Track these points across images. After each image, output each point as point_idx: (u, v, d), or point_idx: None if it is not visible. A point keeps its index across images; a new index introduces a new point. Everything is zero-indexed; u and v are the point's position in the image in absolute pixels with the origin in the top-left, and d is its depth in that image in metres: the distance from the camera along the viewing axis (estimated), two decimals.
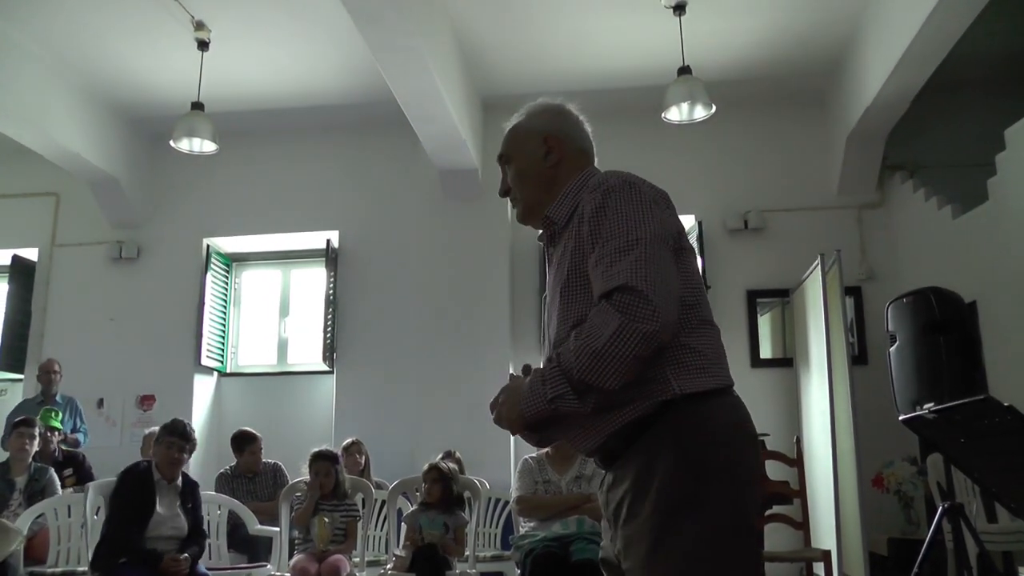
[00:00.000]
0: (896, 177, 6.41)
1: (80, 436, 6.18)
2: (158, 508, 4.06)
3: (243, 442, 5.54)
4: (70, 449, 5.90)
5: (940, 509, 3.22)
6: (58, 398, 6.15)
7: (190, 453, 4.28)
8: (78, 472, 5.64)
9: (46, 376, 6.17)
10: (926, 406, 3.02)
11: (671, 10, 5.28)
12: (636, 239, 1.51)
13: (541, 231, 1.82)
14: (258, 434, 5.60)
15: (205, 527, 4.49)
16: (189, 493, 4.23)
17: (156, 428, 5.33)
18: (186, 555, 4.00)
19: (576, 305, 1.58)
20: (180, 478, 4.23)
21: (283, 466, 5.59)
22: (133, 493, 4.05)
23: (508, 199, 1.87)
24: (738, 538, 1.49)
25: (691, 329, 1.55)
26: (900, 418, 3.23)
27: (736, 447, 1.54)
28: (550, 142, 1.78)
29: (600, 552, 1.73)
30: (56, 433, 5.70)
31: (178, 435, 4.18)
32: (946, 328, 3.07)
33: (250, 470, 5.53)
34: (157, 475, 4.14)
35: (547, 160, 1.77)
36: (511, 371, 6.40)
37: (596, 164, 1.85)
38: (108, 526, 4.05)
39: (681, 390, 1.51)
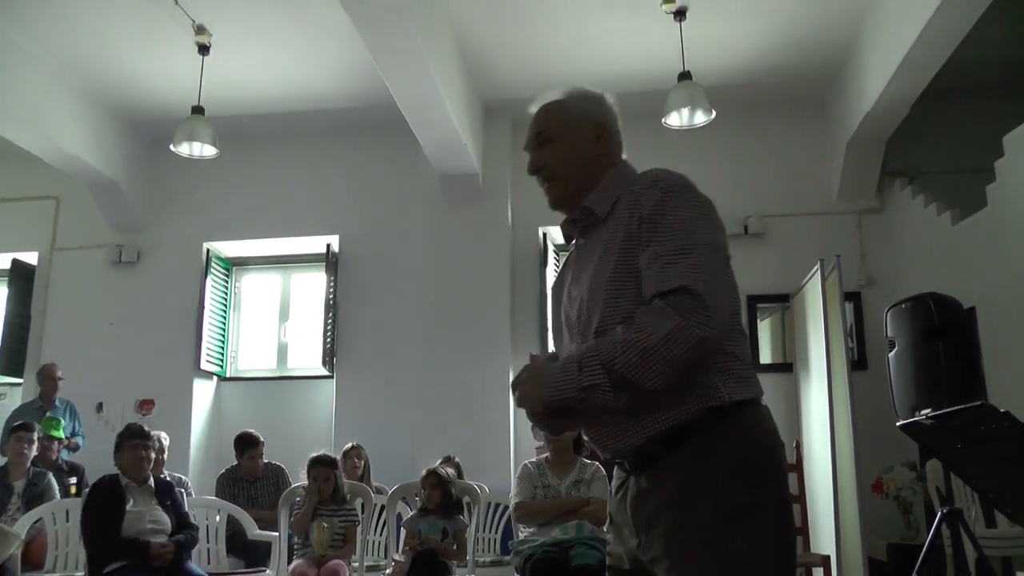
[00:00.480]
0: (896, 183, 6.42)
1: (79, 440, 6.18)
2: (130, 507, 4.08)
3: (245, 445, 5.52)
4: (71, 461, 5.88)
5: (939, 514, 3.22)
6: (57, 402, 6.15)
7: (155, 451, 4.42)
8: (81, 481, 5.64)
9: (50, 382, 6.16)
10: (923, 412, 3.02)
11: (671, 15, 5.29)
12: (696, 243, 1.50)
13: (565, 220, 1.77)
14: (261, 438, 5.58)
15: (203, 530, 4.50)
16: (165, 492, 4.27)
17: (159, 433, 5.37)
18: (171, 541, 4.05)
19: (624, 301, 1.54)
20: (152, 480, 4.26)
21: (285, 469, 5.59)
22: (102, 501, 4.10)
23: (527, 181, 1.80)
24: (787, 543, 1.51)
25: (734, 337, 1.55)
26: (898, 424, 3.23)
27: (778, 454, 1.57)
28: (599, 131, 1.74)
29: (608, 559, 1.69)
30: (59, 443, 5.70)
31: (139, 436, 4.25)
32: (945, 334, 3.07)
33: (251, 474, 5.52)
34: (125, 480, 4.17)
35: (595, 149, 1.73)
36: (510, 376, 6.41)
37: None
38: (84, 539, 4.10)
39: (730, 397, 1.49)
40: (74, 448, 6.05)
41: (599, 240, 1.64)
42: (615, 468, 1.67)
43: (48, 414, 5.93)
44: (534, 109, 1.80)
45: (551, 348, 6.99)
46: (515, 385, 1.58)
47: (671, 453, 1.50)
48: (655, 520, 1.51)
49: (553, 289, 1.83)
